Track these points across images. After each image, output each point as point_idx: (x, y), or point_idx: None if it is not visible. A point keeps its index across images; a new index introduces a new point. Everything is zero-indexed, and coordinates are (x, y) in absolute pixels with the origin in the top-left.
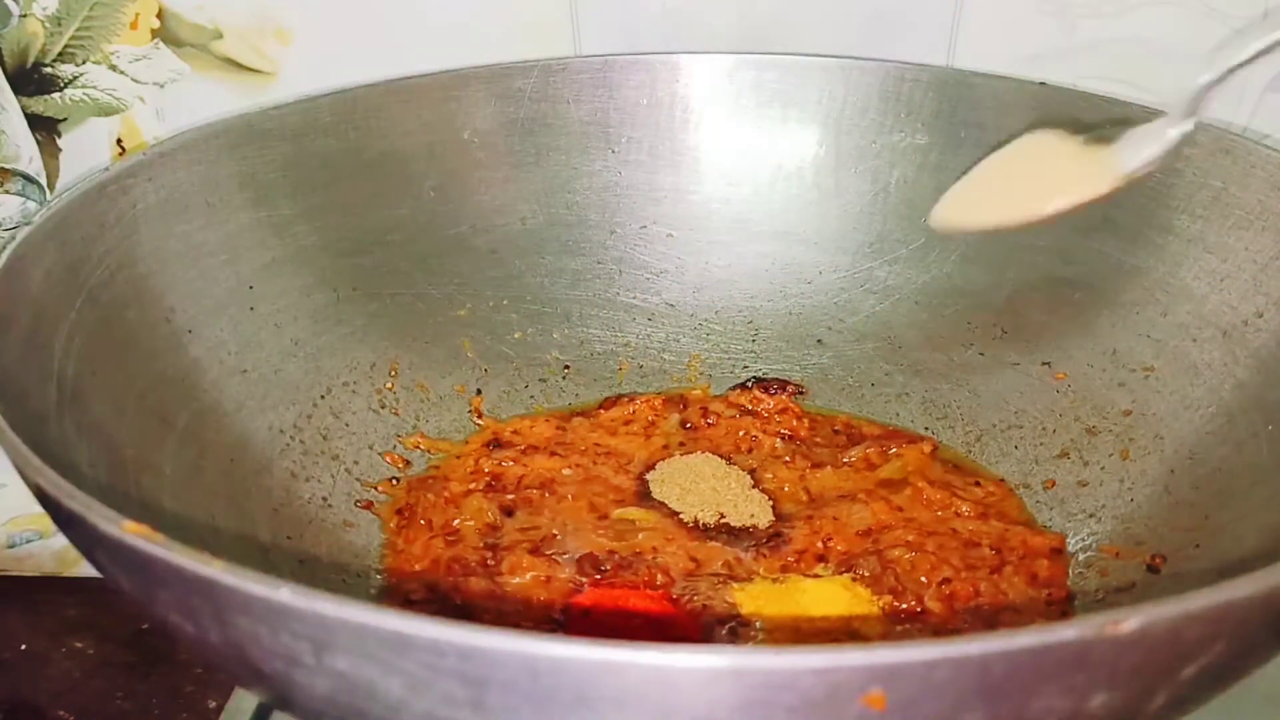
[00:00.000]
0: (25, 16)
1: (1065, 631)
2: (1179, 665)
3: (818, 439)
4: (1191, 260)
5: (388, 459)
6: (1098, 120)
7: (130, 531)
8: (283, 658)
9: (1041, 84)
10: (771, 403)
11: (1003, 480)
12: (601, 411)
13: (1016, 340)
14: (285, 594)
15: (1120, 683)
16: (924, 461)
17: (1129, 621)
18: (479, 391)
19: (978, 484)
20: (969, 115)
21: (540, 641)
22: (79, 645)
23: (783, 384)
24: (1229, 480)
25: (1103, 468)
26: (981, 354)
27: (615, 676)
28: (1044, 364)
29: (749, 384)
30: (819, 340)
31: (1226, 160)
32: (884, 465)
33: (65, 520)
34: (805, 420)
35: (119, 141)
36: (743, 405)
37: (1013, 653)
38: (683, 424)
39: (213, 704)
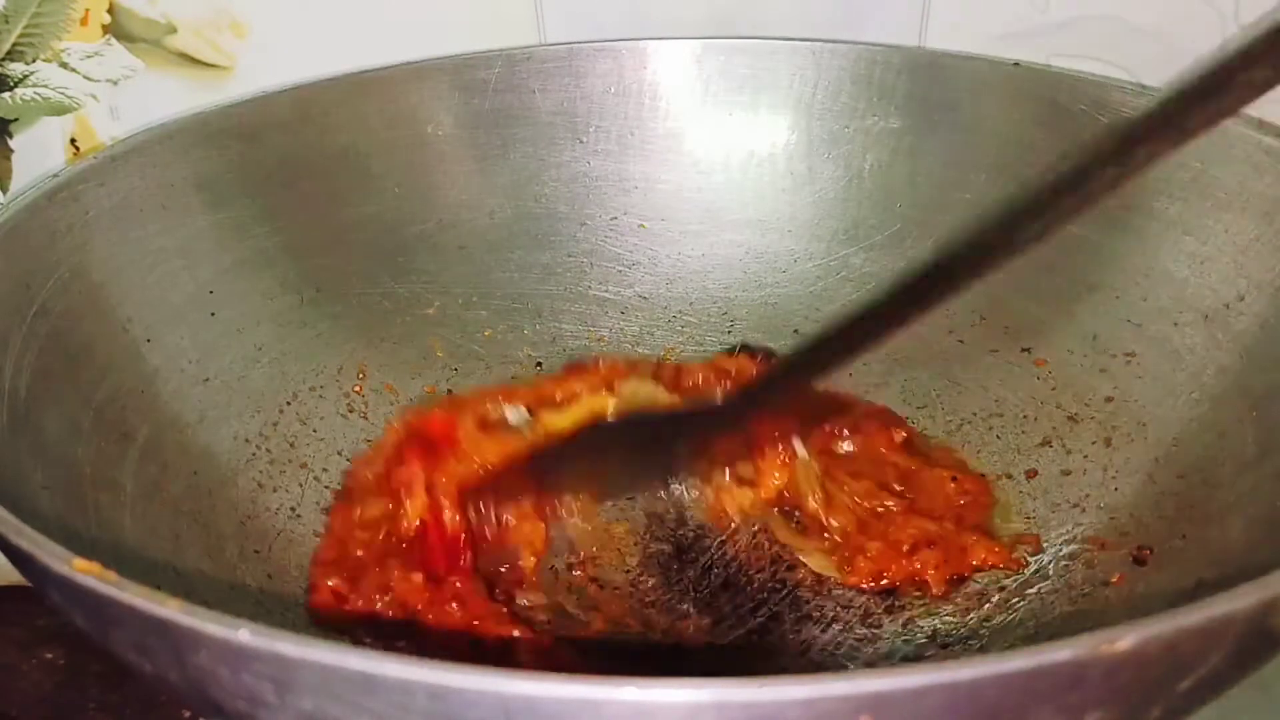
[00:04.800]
0: None
1: (1059, 653)
2: (1175, 679)
3: None
4: (1171, 243)
5: None
6: (1072, 99)
7: (81, 570)
8: (245, 698)
9: (1015, 64)
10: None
11: (983, 476)
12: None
13: (995, 326)
14: (244, 634)
15: (1115, 699)
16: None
17: (1123, 640)
18: (450, 392)
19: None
20: (942, 97)
21: (513, 680)
22: (49, 656)
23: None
24: (1214, 468)
25: (1085, 456)
26: (960, 341)
27: (591, 713)
28: (1024, 350)
29: (736, 351)
30: (796, 330)
31: (1205, 140)
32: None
33: (14, 556)
34: None
35: (73, 141)
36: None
37: (1005, 676)
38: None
39: (187, 714)
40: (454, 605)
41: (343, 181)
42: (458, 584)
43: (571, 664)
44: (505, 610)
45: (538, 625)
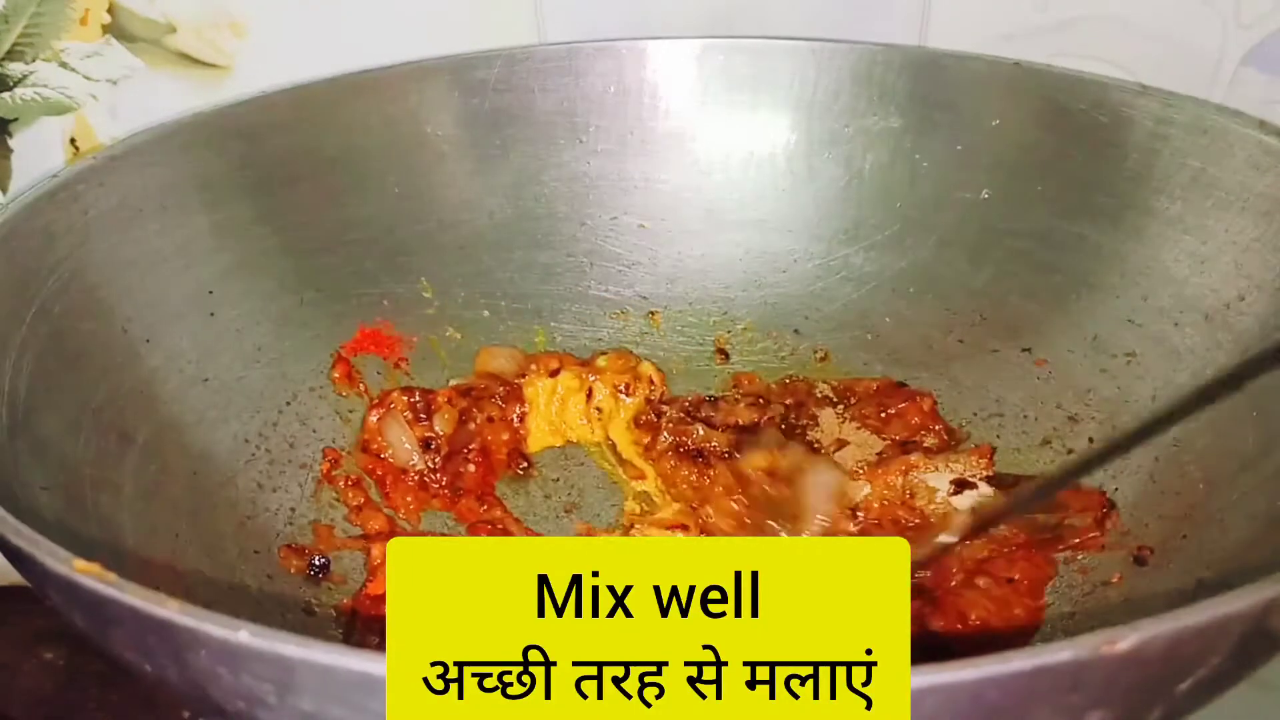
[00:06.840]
0: None
1: (1060, 653)
2: (1175, 680)
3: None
4: (1171, 243)
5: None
6: (1072, 99)
7: (81, 571)
8: (245, 698)
9: (1016, 64)
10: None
11: None
12: None
13: (996, 326)
14: (244, 634)
15: (1115, 700)
16: None
17: (1123, 640)
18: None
19: None
20: (942, 97)
21: None
22: (49, 656)
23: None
24: (1214, 467)
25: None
26: (961, 341)
27: None
28: (1024, 350)
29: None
30: (795, 330)
31: (1204, 140)
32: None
33: (14, 556)
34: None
35: (73, 141)
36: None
37: (1005, 676)
38: None
39: (187, 714)
40: None
41: (343, 181)
42: None
43: None
44: None
45: None
